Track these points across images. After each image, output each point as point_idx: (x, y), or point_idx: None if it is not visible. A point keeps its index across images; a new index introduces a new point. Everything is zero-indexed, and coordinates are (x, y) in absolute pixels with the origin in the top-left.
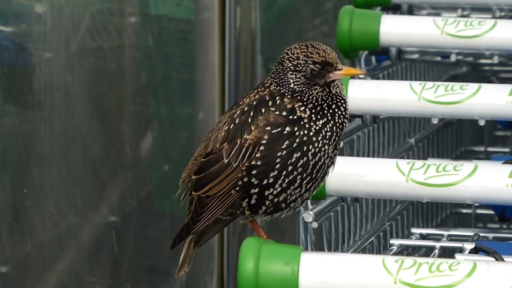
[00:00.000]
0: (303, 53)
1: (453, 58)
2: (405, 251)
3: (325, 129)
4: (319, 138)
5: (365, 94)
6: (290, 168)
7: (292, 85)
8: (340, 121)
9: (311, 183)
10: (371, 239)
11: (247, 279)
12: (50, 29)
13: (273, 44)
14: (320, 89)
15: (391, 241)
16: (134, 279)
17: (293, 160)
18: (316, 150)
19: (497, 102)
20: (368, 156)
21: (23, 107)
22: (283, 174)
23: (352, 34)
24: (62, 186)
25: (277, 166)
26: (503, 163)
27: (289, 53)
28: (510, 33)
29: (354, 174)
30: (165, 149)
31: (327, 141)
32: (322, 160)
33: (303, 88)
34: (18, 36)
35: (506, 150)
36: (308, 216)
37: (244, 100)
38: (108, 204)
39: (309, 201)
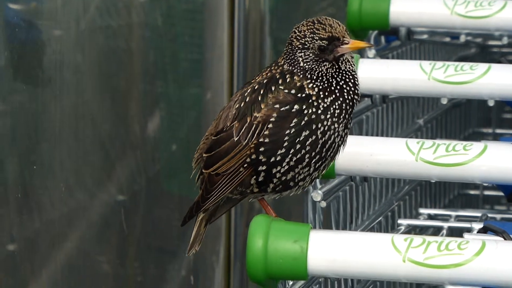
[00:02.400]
0: (309, 30)
1: (462, 39)
2: (412, 231)
3: (334, 106)
4: (328, 116)
5: (375, 73)
6: (298, 146)
7: (302, 64)
8: (350, 97)
9: (320, 162)
10: (379, 219)
11: (256, 257)
12: (60, 6)
13: (282, 25)
14: (330, 65)
15: (399, 221)
16: (142, 258)
17: (301, 138)
18: (326, 129)
19: (507, 82)
20: (377, 136)
21: (33, 84)
22: (290, 152)
23: (362, 13)
24: (71, 164)
25: (285, 144)
26: None
27: (296, 31)
28: None
29: (363, 153)
30: (173, 129)
31: (336, 119)
32: (332, 138)
33: (313, 66)
34: (28, 14)
35: None
36: (316, 195)
37: (257, 78)
38: (117, 182)
39: (317, 180)
